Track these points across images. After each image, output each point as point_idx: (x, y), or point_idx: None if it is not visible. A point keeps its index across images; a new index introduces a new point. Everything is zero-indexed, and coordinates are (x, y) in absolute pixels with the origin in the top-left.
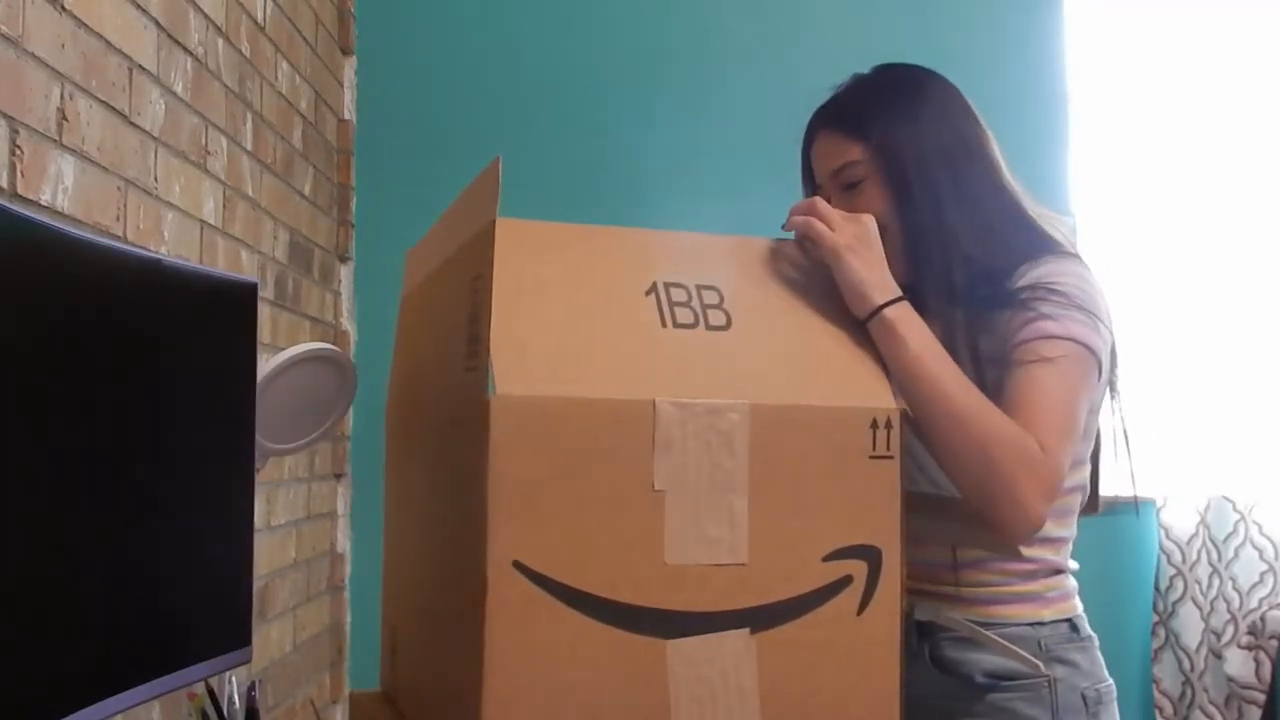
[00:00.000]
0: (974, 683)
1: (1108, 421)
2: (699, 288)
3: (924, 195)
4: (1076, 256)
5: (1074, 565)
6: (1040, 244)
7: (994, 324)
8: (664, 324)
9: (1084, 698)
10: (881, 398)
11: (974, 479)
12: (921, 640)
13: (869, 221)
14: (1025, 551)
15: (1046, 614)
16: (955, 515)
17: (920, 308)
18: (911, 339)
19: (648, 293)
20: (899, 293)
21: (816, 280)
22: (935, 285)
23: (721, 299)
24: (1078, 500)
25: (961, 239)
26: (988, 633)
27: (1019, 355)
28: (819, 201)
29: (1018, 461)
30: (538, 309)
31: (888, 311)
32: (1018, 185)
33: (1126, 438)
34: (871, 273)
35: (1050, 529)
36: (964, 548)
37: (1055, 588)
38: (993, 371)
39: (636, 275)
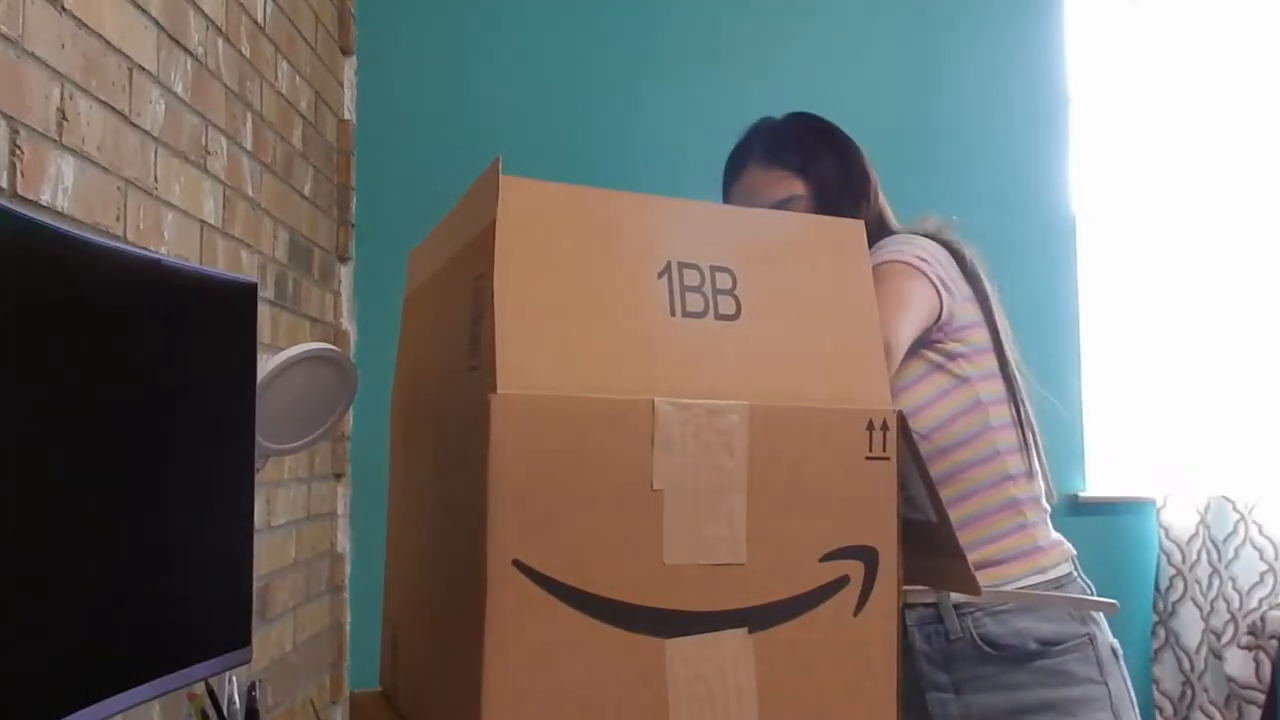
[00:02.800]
0: (1026, 652)
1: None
2: (713, 269)
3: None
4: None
5: (1048, 505)
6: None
7: None
8: (673, 312)
9: (1113, 650)
10: (879, 399)
11: None
12: (963, 620)
13: None
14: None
15: (1046, 562)
16: (934, 545)
17: None
18: None
19: (661, 274)
20: None
21: (826, 264)
22: None
23: (734, 283)
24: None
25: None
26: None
27: None
28: None
29: None
30: (542, 301)
31: None
32: (886, 204)
33: (1027, 424)
34: None
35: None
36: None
37: (1041, 537)
38: None
39: (651, 254)
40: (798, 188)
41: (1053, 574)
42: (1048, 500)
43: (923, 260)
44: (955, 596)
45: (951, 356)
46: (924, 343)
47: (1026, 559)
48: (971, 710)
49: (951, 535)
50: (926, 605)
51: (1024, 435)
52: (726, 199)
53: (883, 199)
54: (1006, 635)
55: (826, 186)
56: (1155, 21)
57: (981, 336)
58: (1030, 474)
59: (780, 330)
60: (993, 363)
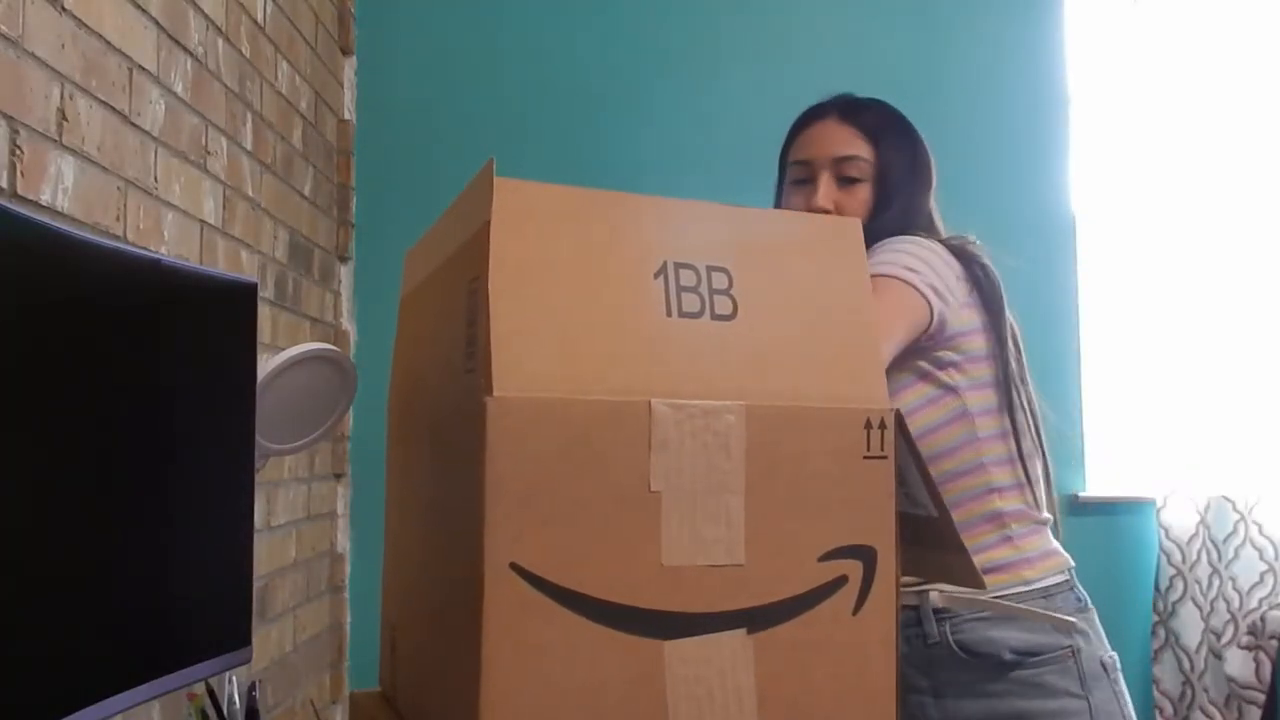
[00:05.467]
0: (1001, 661)
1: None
2: (709, 269)
3: (896, 211)
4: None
5: (1045, 516)
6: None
7: None
8: (669, 312)
9: (1103, 665)
10: (876, 398)
11: None
12: (940, 626)
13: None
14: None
15: (1031, 574)
16: (936, 538)
17: None
18: None
19: (656, 275)
20: None
21: (823, 262)
22: None
23: (730, 283)
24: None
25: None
26: (1019, 605)
27: None
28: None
29: None
30: (537, 303)
31: None
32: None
33: (1024, 434)
34: None
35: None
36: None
37: (1029, 548)
38: None
39: (646, 254)
40: (865, 152)
41: (1039, 584)
42: (1050, 509)
43: (910, 270)
44: (935, 601)
45: (941, 365)
46: (914, 350)
47: (1009, 570)
48: (949, 715)
49: (953, 529)
50: (908, 608)
51: (1018, 446)
52: (787, 148)
53: (935, 203)
54: (981, 643)
55: (891, 166)
56: (1155, 21)
57: (979, 344)
58: (1020, 485)
59: (777, 330)
60: (988, 372)
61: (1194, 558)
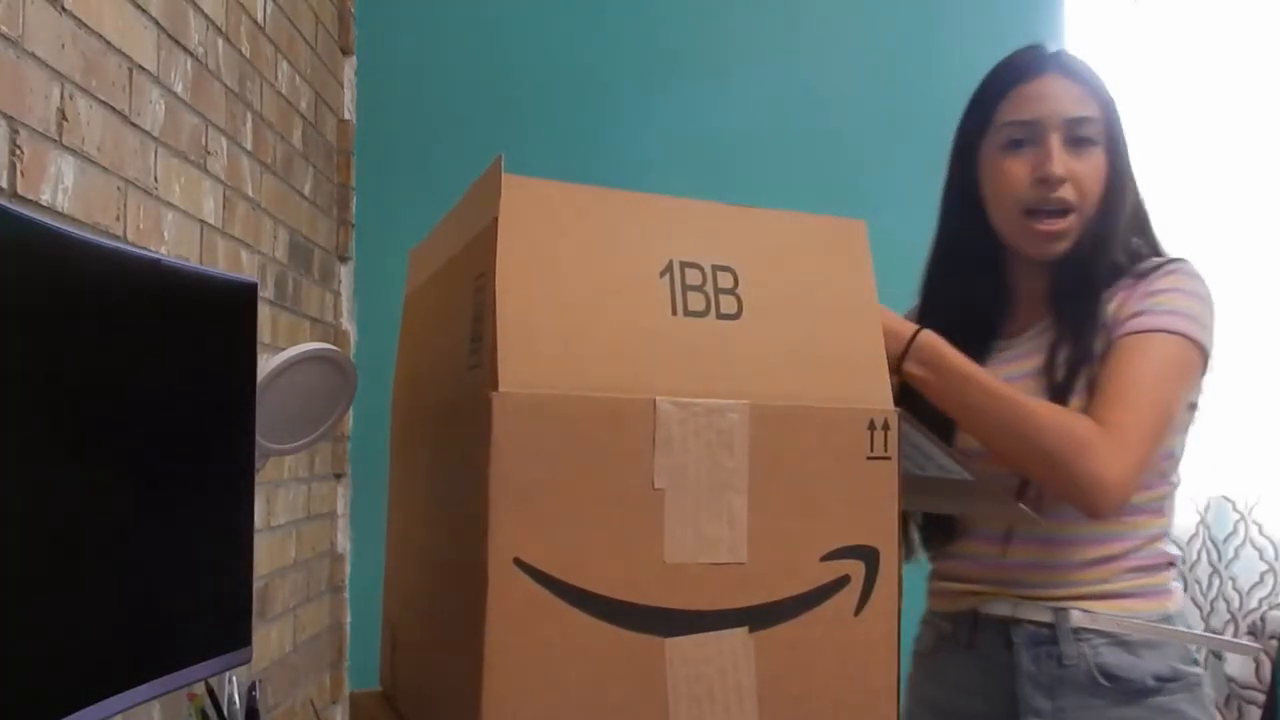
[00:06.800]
0: (1143, 687)
1: None
2: (715, 268)
3: (1127, 178)
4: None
5: (1173, 551)
6: (1158, 247)
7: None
8: (675, 311)
9: (1214, 693)
10: (879, 399)
11: (1040, 471)
12: (1079, 646)
13: None
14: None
15: (1171, 605)
16: (981, 494)
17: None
18: (952, 354)
19: (662, 273)
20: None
21: (829, 263)
22: (1095, 266)
23: (736, 282)
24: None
25: (1133, 225)
26: (1167, 628)
27: (1121, 332)
28: None
29: (1066, 441)
30: (543, 299)
31: (925, 334)
32: None
33: None
34: (890, 318)
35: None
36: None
37: (1158, 583)
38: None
39: (653, 253)
40: (1096, 112)
41: (1173, 611)
42: None
43: (1203, 329)
44: (1076, 620)
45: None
46: None
47: (1164, 596)
48: None
49: (991, 483)
50: (1039, 624)
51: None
52: (991, 108)
53: None
54: (1124, 667)
55: (1117, 140)
56: (1155, 22)
57: None
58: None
59: (782, 330)
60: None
61: (1194, 557)
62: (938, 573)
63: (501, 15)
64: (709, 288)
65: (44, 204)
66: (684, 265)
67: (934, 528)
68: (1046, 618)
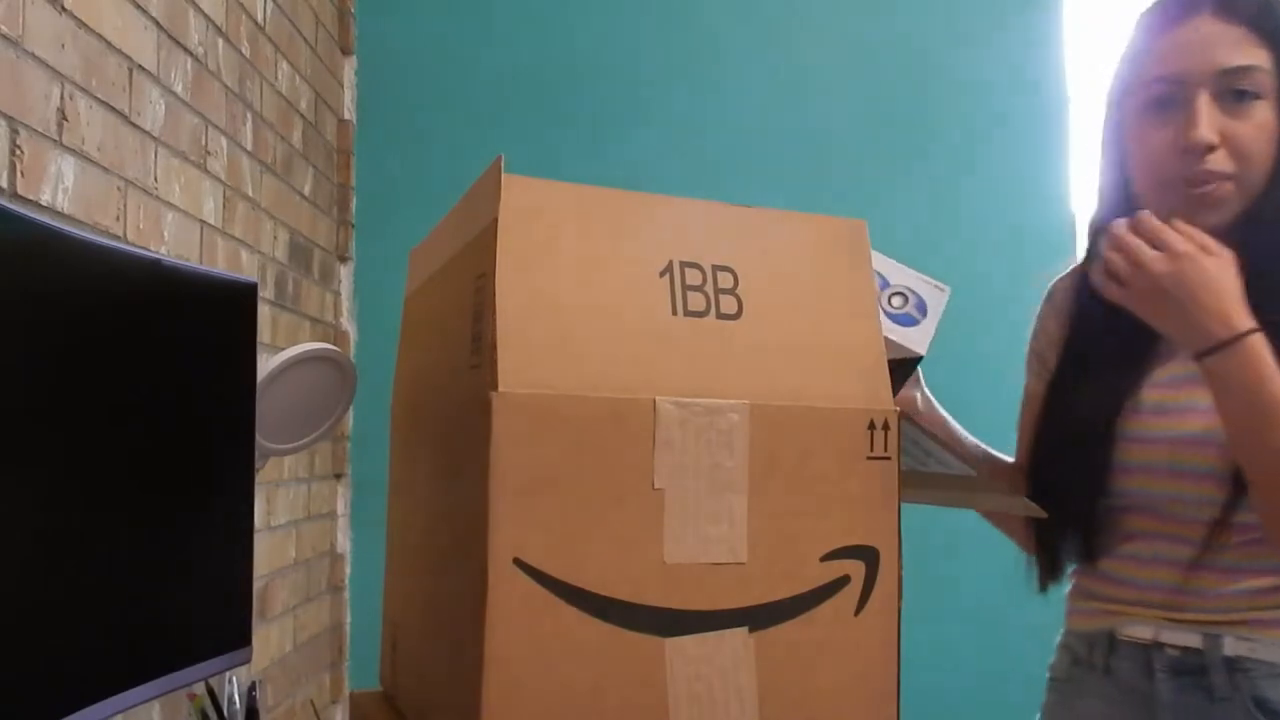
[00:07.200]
0: None
1: None
2: (715, 268)
3: None
4: None
5: None
6: None
7: None
8: (675, 311)
9: None
10: (880, 399)
11: None
12: (1234, 677)
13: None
14: None
15: None
16: (984, 488)
17: None
18: (1272, 370)
19: (662, 273)
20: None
21: (829, 263)
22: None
23: (736, 282)
24: None
25: None
26: None
27: None
28: (1147, 219)
29: None
30: (543, 299)
31: (1254, 338)
32: None
33: None
34: (1224, 300)
35: None
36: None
37: None
38: None
39: (653, 253)
40: (1262, 59)
41: None
42: None
43: None
44: (1229, 648)
45: None
46: None
47: None
48: None
49: (990, 478)
50: (1185, 650)
51: None
52: (1132, 63)
53: None
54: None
55: None
56: None
57: None
58: None
59: (782, 330)
60: None
61: None
62: (1079, 589)
63: (501, 15)
64: (709, 287)
65: (44, 204)
66: (684, 265)
67: (1097, 529)
68: (1196, 643)
